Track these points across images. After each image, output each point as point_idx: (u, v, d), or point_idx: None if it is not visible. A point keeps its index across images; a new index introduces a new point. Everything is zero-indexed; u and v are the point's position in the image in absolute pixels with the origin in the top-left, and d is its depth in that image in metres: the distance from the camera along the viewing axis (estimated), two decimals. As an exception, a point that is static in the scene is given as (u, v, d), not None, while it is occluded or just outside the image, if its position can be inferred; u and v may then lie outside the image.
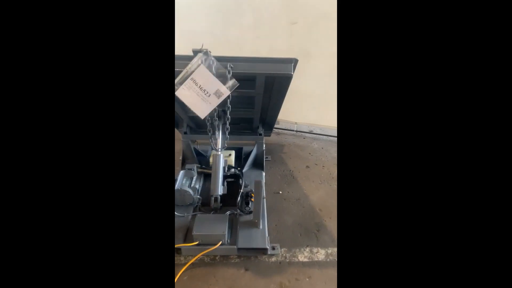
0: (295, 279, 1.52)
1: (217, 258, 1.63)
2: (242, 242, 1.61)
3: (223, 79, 1.30)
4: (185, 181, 1.88)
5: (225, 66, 1.30)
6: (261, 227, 1.71)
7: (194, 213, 1.79)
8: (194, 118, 2.08)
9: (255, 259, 1.62)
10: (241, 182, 1.98)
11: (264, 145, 2.29)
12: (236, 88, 1.67)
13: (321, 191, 2.16)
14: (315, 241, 1.74)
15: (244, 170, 2.18)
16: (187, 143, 2.23)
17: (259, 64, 1.36)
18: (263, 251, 1.61)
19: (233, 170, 2.15)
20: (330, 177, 2.31)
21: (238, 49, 2.61)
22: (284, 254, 1.65)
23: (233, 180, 2.00)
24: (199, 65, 1.25)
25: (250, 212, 1.77)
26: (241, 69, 1.34)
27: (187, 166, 2.05)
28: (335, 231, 1.81)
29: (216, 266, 1.58)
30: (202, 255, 1.59)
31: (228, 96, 1.36)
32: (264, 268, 1.57)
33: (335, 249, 1.68)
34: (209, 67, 1.27)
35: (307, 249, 1.68)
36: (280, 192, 2.14)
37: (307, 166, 2.45)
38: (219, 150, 1.83)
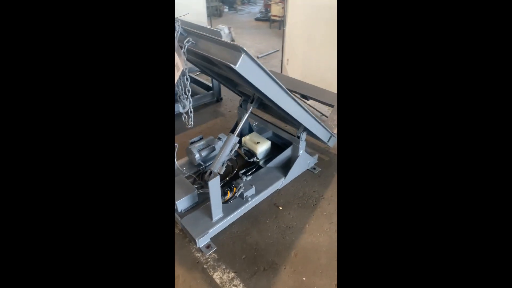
0: (188, 285, 1.40)
1: (169, 218, 1.75)
2: (186, 221, 1.61)
3: (178, 52, 1.22)
4: (200, 145, 2.01)
5: (183, 39, 1.19)
6: (213, 220, 1.61)
7: (188, 174, 1.93)
8: (244, 94, 2.05)
9: (188, 243, 1.60)
10: (235, 171, 1.86)
11: (301, 151, 1.91)
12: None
13: (323, 240, 1.61)
14: (247, 275, 1.43)
15: (268, 166, 1.97)
16: (240, 116, 2.27)
17: (214, 45, 1.12)
18: (194, 242, 1.55)
19: (255, 158, 2.02)
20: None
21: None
22: (208, 259, 1.51)
23: (230, 165, 1.90)
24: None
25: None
26: (201, 47, 1.18)
27: (219, 135, 2.13)
28: (282, 285, 1.38)
29: (162, 223, 1.72)
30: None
31: (183, 73, 1.26)
32: (183, 254, 1.54)
33: (255, 301, 1.33)
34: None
35: (230, 274, 1.44)
36: (281, 208, 1.80)
37: (346, 204, 1.81)
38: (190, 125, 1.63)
